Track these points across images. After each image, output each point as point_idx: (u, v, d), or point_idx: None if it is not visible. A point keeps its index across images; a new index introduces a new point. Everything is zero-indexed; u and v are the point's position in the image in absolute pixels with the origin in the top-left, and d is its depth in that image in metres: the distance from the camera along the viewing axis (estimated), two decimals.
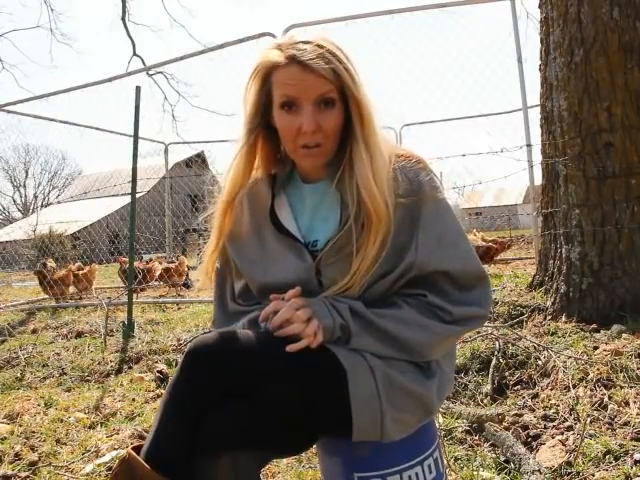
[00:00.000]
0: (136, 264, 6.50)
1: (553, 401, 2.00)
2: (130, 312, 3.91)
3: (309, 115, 0.96)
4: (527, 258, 7.34)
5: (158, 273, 6.65)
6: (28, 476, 1.86)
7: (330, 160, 1.04)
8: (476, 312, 1.02)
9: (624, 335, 2.36)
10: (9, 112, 6.64)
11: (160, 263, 6.98)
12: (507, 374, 2.34)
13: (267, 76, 1.00)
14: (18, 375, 3.12)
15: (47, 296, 6.37)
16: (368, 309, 1.00)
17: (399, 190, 1.01)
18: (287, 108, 0.99)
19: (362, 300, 1.02)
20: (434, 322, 1.00)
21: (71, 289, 6.71)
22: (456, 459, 1.76)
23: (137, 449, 0.92)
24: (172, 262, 7.06)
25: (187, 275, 6.94)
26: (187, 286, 6.90)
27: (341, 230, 1.01)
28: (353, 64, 0.99)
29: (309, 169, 1.09)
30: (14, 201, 39.13)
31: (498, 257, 6.95)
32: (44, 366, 3.28)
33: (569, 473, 1.55)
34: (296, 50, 0.96)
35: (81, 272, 6.72)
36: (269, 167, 1.13)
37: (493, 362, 2.38)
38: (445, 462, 1.30)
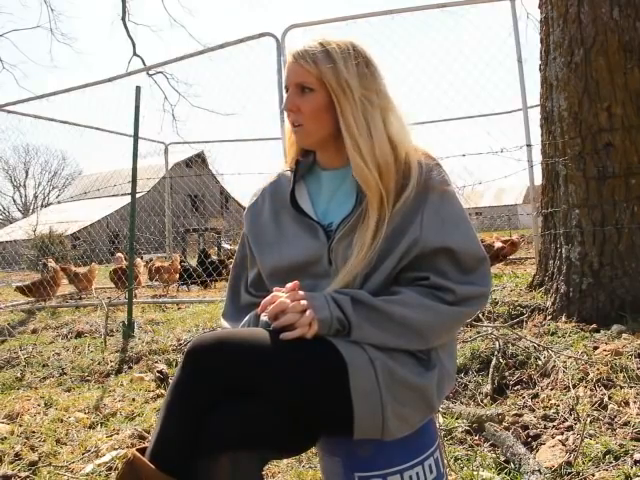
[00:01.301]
0: (118, 266, 6.56)
1: (553, 401, 2.00)
2: (130, 312, 3.91)
3: (288, 97, 1.11)
4: (527, 258, 7.33)
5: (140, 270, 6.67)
6: (28, 476, 1.86)
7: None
8: (478, 290, 1.06)
9: (624, 335, 2.36)
10: (9, 112, 6.64)
11: (142, 262, 7.05)
12: (507, 374, 2.34)
13: None
14: (18, 375, 3.12)
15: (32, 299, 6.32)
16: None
17: (414, 179, 1.08)
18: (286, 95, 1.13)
19: (367, 289, 1.05)
20: (438, 304, 1.02)
21: (62, 289, 6.69)
22: (456, 459, 1.76)
23: (141, 451, 0.93)
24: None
25: (189, 274, 6.92)
26: (187, 282, 6.89)
27: (355, 210, 1.07)
28: (352, 57, 1.08)
29: (325, 152, 1.18)
30: (14, 201, 39.17)
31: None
32: (44, 366, 3.28)
33: (569, 473, 1.55)
34: (297, 46, 1.11)
35: (81, 272, 6.72)
36: (298, 153, 1.23)
37: (493, 362, 2.38)
38: (445, 462, 1.30)
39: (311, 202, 1.17)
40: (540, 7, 3.17)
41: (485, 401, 2.21)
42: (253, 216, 1.22)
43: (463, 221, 1.10)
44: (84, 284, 6.67)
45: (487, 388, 2.27)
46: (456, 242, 1.05)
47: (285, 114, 1.17)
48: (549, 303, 2.92)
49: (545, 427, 1.86)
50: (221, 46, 5.12)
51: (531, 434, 1.83)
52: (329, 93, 1.08)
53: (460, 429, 1.94)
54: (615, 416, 1.80)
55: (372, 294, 1.03)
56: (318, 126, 1.11)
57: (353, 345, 0.99)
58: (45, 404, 2.59)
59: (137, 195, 4.28)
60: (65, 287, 7.18)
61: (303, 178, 1.21)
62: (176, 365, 2.98)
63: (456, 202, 1.11)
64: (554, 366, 2.20)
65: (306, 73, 1.08)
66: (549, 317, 2.84)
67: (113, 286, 7.11)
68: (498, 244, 6.19)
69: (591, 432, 1.71)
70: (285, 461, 1.83)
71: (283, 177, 1.23)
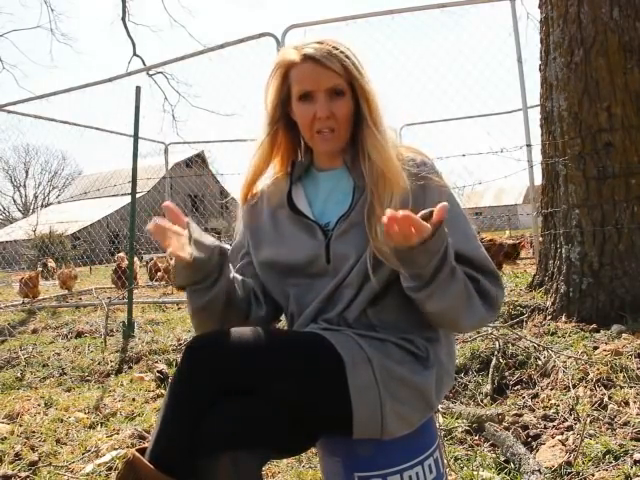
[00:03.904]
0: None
1: (553, 401, 2.00)
2: (130, 312, 3.91)
3: (322, 103, 1.08)
4: (527, 258, 7.32)
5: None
6: (28, 476, 1.86)
7: (345, 149, 1.14)
8: (500, 297, 1.07)
9: (624, 335, 2.36)
10: (9, 112, 6.63)
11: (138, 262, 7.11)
12: (507, 374, 2.34)
13: (286, 73, 1.12)
14: (18, 375, 3.12)
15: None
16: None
17: (407, 177, 1.07)
18: (304, 100, 1.10)
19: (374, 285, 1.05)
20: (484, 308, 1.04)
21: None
22: (456, 459, 1.76)
23: (141, 451, 0.93)
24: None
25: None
26: None
27: (354, 207, 1.08)
28: (360, 60, 1.11)
29: (325, 155, 1.18)
30: (14, 201, 39.12)
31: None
32: (44, 366, 3.28)
33: (569, 473, 1.55)
34: (310, 49, 1.08)
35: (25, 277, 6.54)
36: (288, 159, 1.22)
37: (493, 362, 2.38)
38: (445, 462, 1.31)
39: (308, 202, 1.17)
40: (540, 7, 3.17)
41: (485, 401, 2.21)
42: (254, 215, 1.22)
43: (466, 223, 1.10)
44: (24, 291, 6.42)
45: (487, 388, 2.27)
46: (464, 247, 1.05)
47: (303, 124, 1.11)
48: (549, 303, 2.92)
49: (545, 427, 1.86)
50: (221, 46, 5.12)
51: (531, 434, 1.83)
52: (355, 97, 1.10)
53: (460, 429, 1.94)
54: (615, 416, 1.80)
55: (382, 288, 1.05)
56: (347, 130, 1.12)
57: (351, 344, 1.00)
58: (45, 404, 2.59)
59: (137, 195, 4.27)
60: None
61: (299, 179, 1.21)
62: (176, 365, 2.98)
63: (454, 200, 1.11)
64: (554, 366, 2.20)
65: (337, 77, 1.08)
66: (549, 317, 2.84)
67: (113, 286, 7.12)
68: (509, 242, 6.13)
69: (591, 432, 1.71)
70: (285, 461, 1.83)
71: (280, 179, 1.23)
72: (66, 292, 7.06)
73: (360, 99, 1.10)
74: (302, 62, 1.09)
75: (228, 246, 1.19)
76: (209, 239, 1.07)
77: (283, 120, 1.17)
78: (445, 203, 0.90)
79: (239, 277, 1.18)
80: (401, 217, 0.86)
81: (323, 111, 1.07)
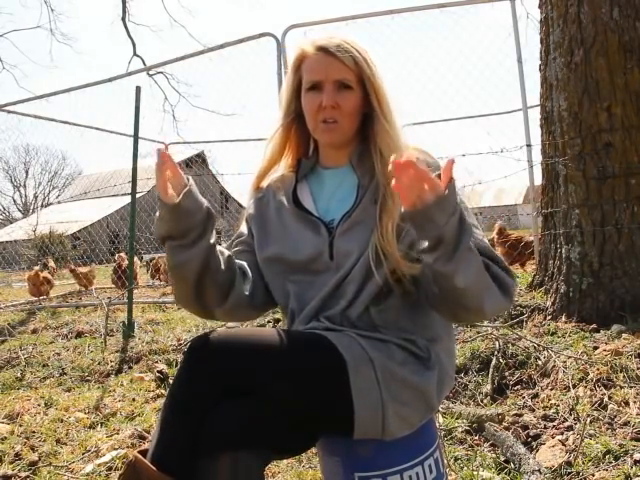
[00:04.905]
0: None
1: (553, 401, 2.00)
2: (130, 312, 3.91)
3: (329, 93, 1.09)
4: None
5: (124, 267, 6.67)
6: (28, 476, 1.86)
7: (353, 147, 1.16)
8: (512, 286, 1.03)
9: (624, 335, 2.36)
10: (9, 112, 6.63)
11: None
12: (507, 374, 2.34)
13: (299, 65, 1.15)
14: (18, 375, 3.12)
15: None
16: None
17: None
18: (312, 90, 1.12)
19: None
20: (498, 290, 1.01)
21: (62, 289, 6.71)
22: (456, 459, 1.76)
23: (141, 453, 0.93)
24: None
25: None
26: None
27: (357, 205, 1.09)
28: (372, 59, 1.13)
29: (331, 153, 1.19)
30: (14, 201, 39.07)
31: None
32: (44, 366, 3.28)
33: (569, 473, 1.55)
34: (324, 41, 1.11)
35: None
36: (299, 153, 1.23)
37: (493, 362, 2.38)
38: (445, 462, 1.31)
39: (313, 200, 1.18)
40: (540, 7, 3.17)
41: (485, 401, 2.21)
42: (261, 207, 1.23)
43: (472, 217, 1.09)
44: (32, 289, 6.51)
45: (487, 388, 2.27)
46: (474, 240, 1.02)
47: (310, 113, 1.12)
48: (549, 303, 2.92)
49: (545, 427, 1.86)
50: (221, 46, 5.11)
51: (531, 434, 1.83)
52: (365, 93, 1.11)
53: (460, 429, 1.94)
54: (615, 416, 1.80)
55: (385, 284, 1.04)
56: (352, 124, 1.13)
57: (352, 344, 1.00)
58: (45, 404, 2.59)
59: (137, 195, 4.28)
60: (65, 287, 7.20)
61: (305, 177, 1.22)
62: (176, 365, 2.98)
63: (460, 197, 1.11)
64: (554, 366, 2.20)
65: (347, 70, 1.09)
66: (549, 317, 2.84)
67: (113, 286, 7.12)
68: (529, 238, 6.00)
69: (591, 432, 1.71)
70: (285, 461, 1.83)
71: (286, 176, 1.24)
72: (68, 292, 7.06)
73: (370, 94, 1.11)
74: (314, 53, 1.11)
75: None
76: (203, 199, 1.06)
77: (297, 113, 1.18)
78: (453, 157, 0.89)
79: (226, 252, 1.14)
80: (406, 163, 0.83)
81: (328, 100, 1.09)
